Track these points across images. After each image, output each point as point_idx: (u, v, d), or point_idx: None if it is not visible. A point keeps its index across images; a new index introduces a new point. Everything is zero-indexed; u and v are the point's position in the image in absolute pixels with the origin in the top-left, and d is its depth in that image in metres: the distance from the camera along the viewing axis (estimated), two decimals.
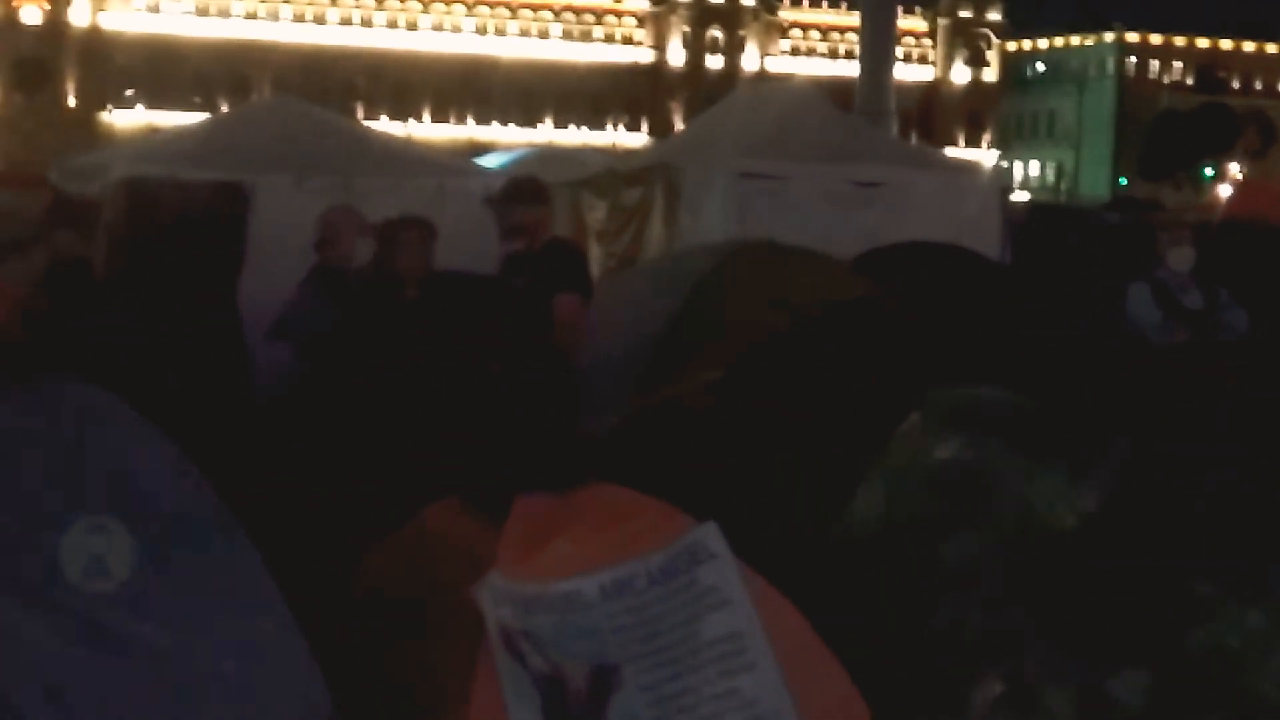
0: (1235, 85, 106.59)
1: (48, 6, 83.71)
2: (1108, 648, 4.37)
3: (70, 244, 8.75)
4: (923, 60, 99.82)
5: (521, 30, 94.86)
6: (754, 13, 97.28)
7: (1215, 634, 4.44)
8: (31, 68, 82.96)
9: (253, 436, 6.06)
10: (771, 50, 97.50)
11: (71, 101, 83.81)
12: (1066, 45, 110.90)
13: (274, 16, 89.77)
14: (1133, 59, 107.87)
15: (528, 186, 8.64)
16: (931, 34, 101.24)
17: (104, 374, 4.12)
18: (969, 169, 21.94)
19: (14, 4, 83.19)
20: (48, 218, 9.61)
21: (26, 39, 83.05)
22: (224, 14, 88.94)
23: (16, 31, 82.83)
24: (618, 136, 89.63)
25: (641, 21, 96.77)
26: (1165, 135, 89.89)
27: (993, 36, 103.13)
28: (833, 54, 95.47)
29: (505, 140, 73.22)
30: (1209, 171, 72.90)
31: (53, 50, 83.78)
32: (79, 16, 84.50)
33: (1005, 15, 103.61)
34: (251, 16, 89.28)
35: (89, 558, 3.67)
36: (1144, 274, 9.91)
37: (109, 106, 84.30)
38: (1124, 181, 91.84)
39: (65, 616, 3.64)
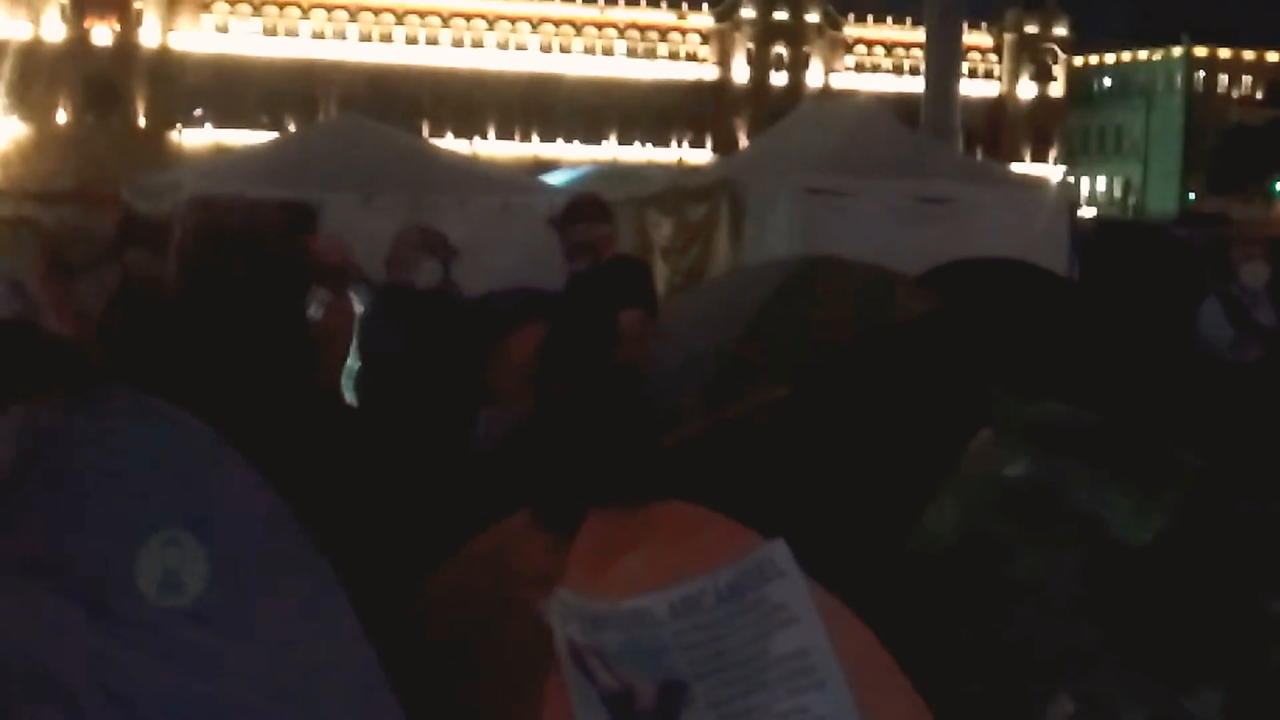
0: None
1: (118, 27, 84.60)
2: (1183, 666, 4.33)
3: (142, 262, 8.84)
4: (988, 76, 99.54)
5: (586, 48, 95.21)
6: (818, 29, 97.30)
7: None
8: (102, 88, 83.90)
9: (324, 451, 6.09)
10: (836, 66, 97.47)
11: (141, 121, 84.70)
12: (1134, 60, 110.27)
13: (340, 36, 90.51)
14: (1201, 73, 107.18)
15: (591, 204, 8.64)
16: (997, 49, 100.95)
17: (176, 390, 4.14)
18: (1035, 185, 21.76)
19: (85, 25, 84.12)
20: (120, 236, 9.69)
21: (97, 59, 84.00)
22: (291, 33, 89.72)
23: (87, 52, 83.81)
24: (682, 153, 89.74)
25: (706, 38, 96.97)
26: (1235, 150, 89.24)
27: (1059, 51, 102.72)
28: (897, 70, 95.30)
29: (570, 157, 73.37)
30: (1279, 186, 72.41)
31: (123, 70, 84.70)
32: (149, 37, 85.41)
33: (1071, 30, 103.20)
34: (319, 36, 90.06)
35: (163, 572, 3.69)
36: (1216, 290, 9.84)
37: (178, 126, 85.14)
38: (1192, 196, 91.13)
39: (138, 630, 3.66)
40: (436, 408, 6.90)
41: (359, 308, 8.92)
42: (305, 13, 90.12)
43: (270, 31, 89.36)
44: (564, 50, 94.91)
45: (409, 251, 8.94)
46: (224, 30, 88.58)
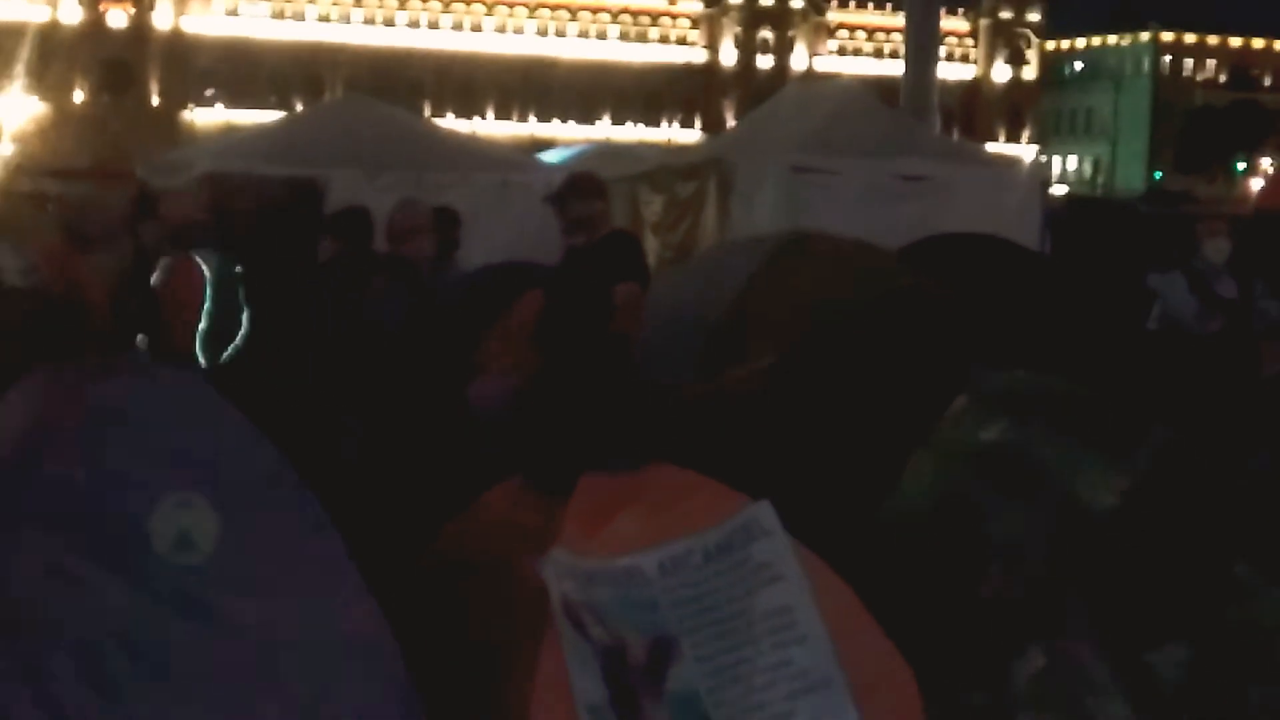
0: (1267, 83, 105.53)
1: (132, 10, 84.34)
2: (1148, 623, 4.34)
3: (155, 235, 8.80)
4: (965, 59, 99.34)
5: (580, 32, 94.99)
6: (803, 14, 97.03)
7: (1251, 612, 4.41)
8: (117, 69, 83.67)
9: (328, 416, 6.10)
10: (820, 50, 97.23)
11: (155, 101, 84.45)
12: (1103, 44, 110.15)
13: (345, 19, 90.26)
14: (1167, 58, 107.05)
15: (586, 182, 8.62)
16: (973, 34, 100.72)
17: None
18: (1009, 163, 21.79)
19: (100, 8, 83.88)
20: (134, 211, 9.66)
21: (112, 42, 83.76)
22: (298, 17, 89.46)
23: (102, 35, 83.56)
24: (672, 133, 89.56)
25: (695, 23, 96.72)
26: (1200, 131, 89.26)
27: (1032, 36, 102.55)
28: (878, 53, 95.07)
29: (565, 137, 73.25)
30: (1241, 165, 72.41)
31: (137, 52, 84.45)
32: (162, 20, 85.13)
33: (1044, 15, 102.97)
34: (324, 19, 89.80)
35: (176, 532, 3.70)
36: (1181, 265, 9.85)
37: (190, 105, 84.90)
38: (1159, 175, 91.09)
39: (155, 586, 3.67)
40: (433, 376, 6.90)
41: (206, 271, 8.47)
42: None
43: (278, 15, 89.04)
44: (559, 34, 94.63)
45: (406, 224, 8.92)
46: (234, 14, 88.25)
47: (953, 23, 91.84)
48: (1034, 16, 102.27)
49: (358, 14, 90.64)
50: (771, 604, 4.18)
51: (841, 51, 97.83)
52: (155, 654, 3.64)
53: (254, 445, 3.91)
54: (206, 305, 8.06)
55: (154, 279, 8.09)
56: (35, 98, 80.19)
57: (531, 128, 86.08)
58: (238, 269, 8.23)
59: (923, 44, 23.62)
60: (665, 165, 15.87)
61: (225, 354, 7.81)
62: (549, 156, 22.67)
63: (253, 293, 8.24)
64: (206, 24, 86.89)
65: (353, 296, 8.08)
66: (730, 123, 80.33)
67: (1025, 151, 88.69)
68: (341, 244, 8.86)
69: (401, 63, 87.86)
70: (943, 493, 4.74)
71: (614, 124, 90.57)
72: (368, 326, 7.95)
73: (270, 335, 8.11)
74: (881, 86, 24.76)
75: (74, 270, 7.78)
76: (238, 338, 7.96)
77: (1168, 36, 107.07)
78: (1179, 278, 9.71)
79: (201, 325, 8.05)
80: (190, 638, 3.67)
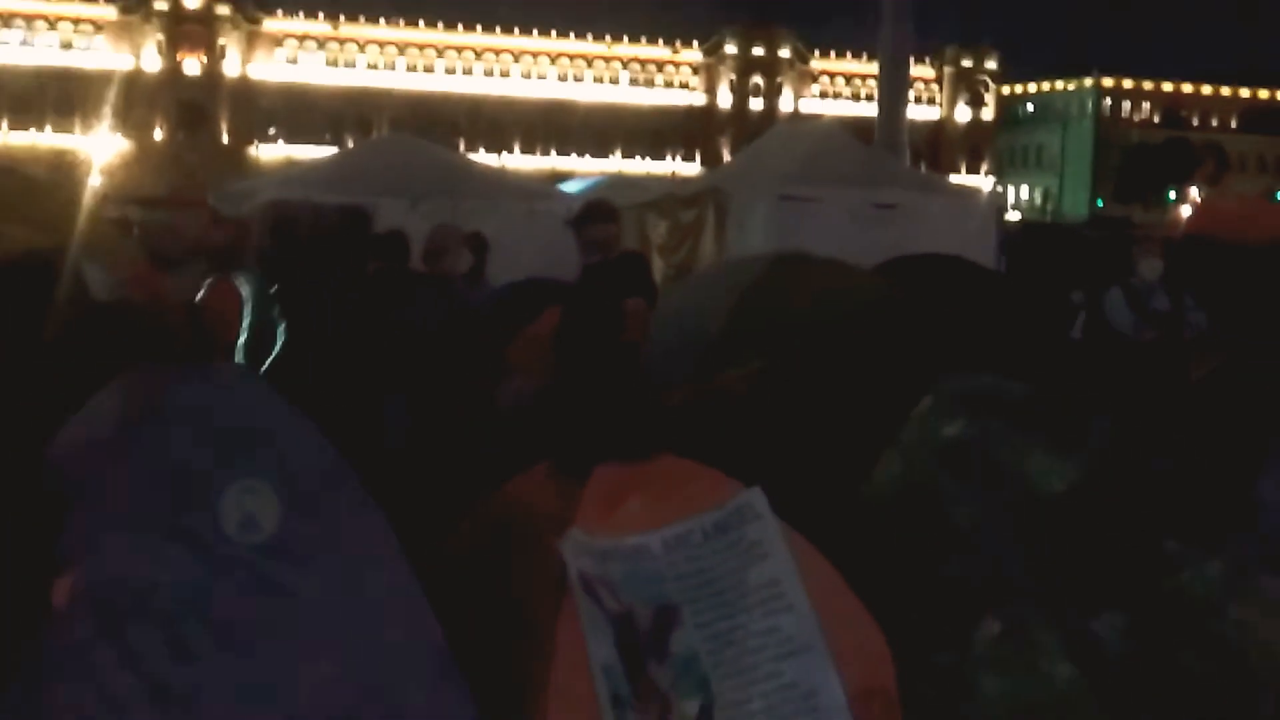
0: (1195, 123, 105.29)
1: (205, 59, 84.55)
2: (1091, 594, 4.35)
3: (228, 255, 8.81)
4: (931, 102, 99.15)
5: (595, 78, 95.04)
6: (789, 63, 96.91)
7: (1182, 583, 4.41)
8: (191, 110, 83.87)
9: (376, 412, 6.10)
10: (805, 94, 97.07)
11: (225, 138, 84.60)
12: (1052, 89, 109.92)
13: (391, 66, 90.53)
14: (1108, 101, 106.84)
15: (600, 208, 8.62)
16: (938, 80, 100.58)
17: (253, 361, 4.16)
18: (969, 193, 21.82)
19: (178, 58, 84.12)
20: (208, 233, 9.67)
21: (187, 87, 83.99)
22: (350, 64, 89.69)
23: (179, 80, 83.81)
24: (676, 166, 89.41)
25: (695, 70, 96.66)
26: (1137, 165, 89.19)
27: (990, 82, 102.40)
28: (855, 97, 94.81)
29: (582, 170, 73.24)
30: (1173, 195, 72.26)
31: (209, 96, 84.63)
32: (231, 67, 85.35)
33: (1000, 64, 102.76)
34: (373, 67, 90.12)
35: (243, 514, 3.71)
36: (1119, 281, 9.83)
37: (255, 142, 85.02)
38: (1100, 203, 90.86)
39: (224, 563, 3.68)
40: (466, 376, 6.90)
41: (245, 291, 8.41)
42: (361, 48, 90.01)
43: (332, 63, 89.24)
44: (576, 79, 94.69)
45: (440, 244, 8.93)
46: (293, 61, 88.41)
47: (920, 70, 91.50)
48: (991, 64, 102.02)
49: (401, 62, 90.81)
50: (762, 577, 4.19)
51: (823, 95, 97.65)
52: (225, 620, 3.64)
53: (309, 437, 3.91)
54: (246, 320, 8.09)
55: (197, 298, 8.10)
56: (120, 135, 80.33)
57: (552, 161, 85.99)
58: (273, 289, 8.26)
59: (894, 89, 23.60)
60: (669, 194, 15.88)
61: (265, 364, 7.84)
62: (568, 187, 22.63)
63: (300, 304, 8.25)
64: (270, 70, 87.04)
65: (393, 307, 8.09)
66: (726, 157, 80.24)
67: (983, 182, 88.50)
68: (382, 263, 8.88)
69: (439, 104, 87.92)
70: (910, 481, 4.74)
71: (624, 158, 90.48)
72: (407, 332, 7.96)
73: (319, 342, 8.12)
74: (858, 126, 24.71)
75: (154, 287, 7.79)
76: (275, 349, 7.99)
77: (1108, 82, 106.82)
78: (1118, 293, 9.69)
79: (241, 338, 8.08)
80: (255, 606, 3.68)
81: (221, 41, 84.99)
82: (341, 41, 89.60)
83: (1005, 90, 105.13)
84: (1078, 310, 9.97)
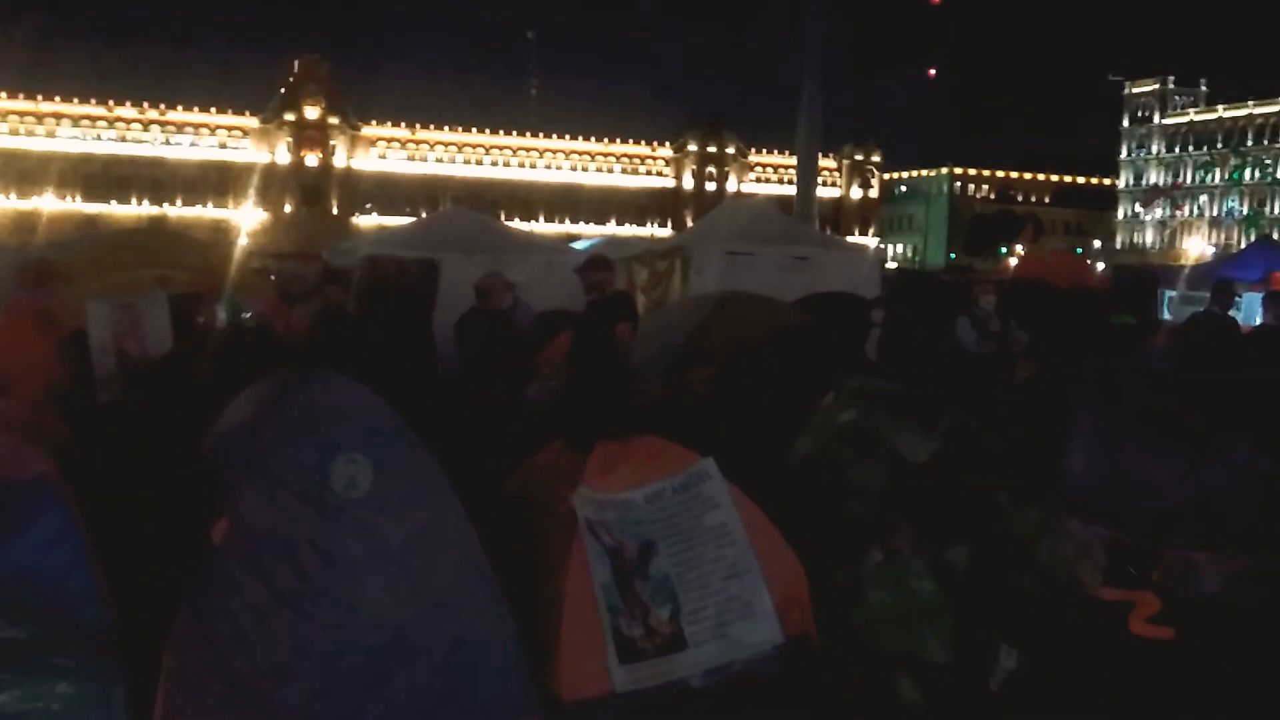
0: (1020, 199, 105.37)
1: (320, 155, 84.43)
2: (945, 532, 4.35)
3: (335, 295, 8.76)
4: (833, 184, 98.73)
5: (596, 168, 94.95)
6: (734, 157, 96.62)
7: (1009, 524, 4.41)
8: (311, 190, 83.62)
9: (441, 404, 6.07)
10: (745, 180, 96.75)
11: (334, 210, 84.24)
12: (918, 175, 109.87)
13: (452, 160, 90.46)
14: (958, 183, 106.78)
15: (599, 259, 8.56)
16: (839, 169, 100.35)
17: (354, 369, 4.14)
18: (861, 249, 21.74)
19: (301, 154, 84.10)
20: (322, 279, 9.63)
21: (308, 174, 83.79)
22: (423, 159, 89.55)
23: (302, 170, 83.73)
24: (653, 230, 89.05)
25: (667, 162, 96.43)
26: (978, 229, 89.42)
27: (874, 170, 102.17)
28: (780, 181, 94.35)
29: (587, 233, 73.00)
30: (1004, 250, 72.19)
31: (323, 180, 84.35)
32: (339, 161, 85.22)
33: (882, 157, 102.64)
34: (439, 160, 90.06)
35: (347, 478, 3.70)
36: (966, 312, 9.78)
37: (356, 214, 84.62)
38: (953, 256, 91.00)
39: (333, 512, 3.67)
40: (505, 379, 6.87)
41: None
42: (431, 147, 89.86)
43: (411, 158, 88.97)
44: (583, 169, 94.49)
45: (488, 286, 8.87)
46: (383, 157, 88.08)
47: (826, 162, 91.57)
48: (876, 158, 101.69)
49: (459, 157, 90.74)
50: (714, 521, 4.20)
51: (758, 180, 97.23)
52: (333, 555, 3.63)
53: (395, 422, 3.89)
54: None
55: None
56: (260, 209, 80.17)
57: (566, 228, 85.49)
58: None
59: (807, 176, 23.65)
60: (648, 251, 15.75)
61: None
62: (577, 245, 22.57)
63: (395, 330, 8.18)
64: (367, 163, 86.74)
65: (457, 330, 8.06)
66: (689, 224, 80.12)
67: (870, 242, 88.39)
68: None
69: (486, 187, 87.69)
70: (819, 452, 4.73)
71: (617, 225, 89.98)
72: (460, 350, 7.94)
73: (406, 355, 8.07)
74: (782, 202, 24.68)
75: (284, 317, 7.77)
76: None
77: (958, 170, 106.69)
78: (965, 320, 9.65)
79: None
80: (353, 543, 3.67)
81: (332, 143, 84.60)
82: (417, 143, 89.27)
83: (886, 176, 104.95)
84: (871, 326, 9.80)
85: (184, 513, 3.72)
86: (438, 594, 3.72)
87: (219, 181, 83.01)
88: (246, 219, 74.26)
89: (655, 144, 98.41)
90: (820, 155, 27.40)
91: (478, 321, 7.95)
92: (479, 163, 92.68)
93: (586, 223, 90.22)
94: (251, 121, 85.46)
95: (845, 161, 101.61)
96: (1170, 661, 4.17)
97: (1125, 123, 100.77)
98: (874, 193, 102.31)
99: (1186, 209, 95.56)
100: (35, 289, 6.72)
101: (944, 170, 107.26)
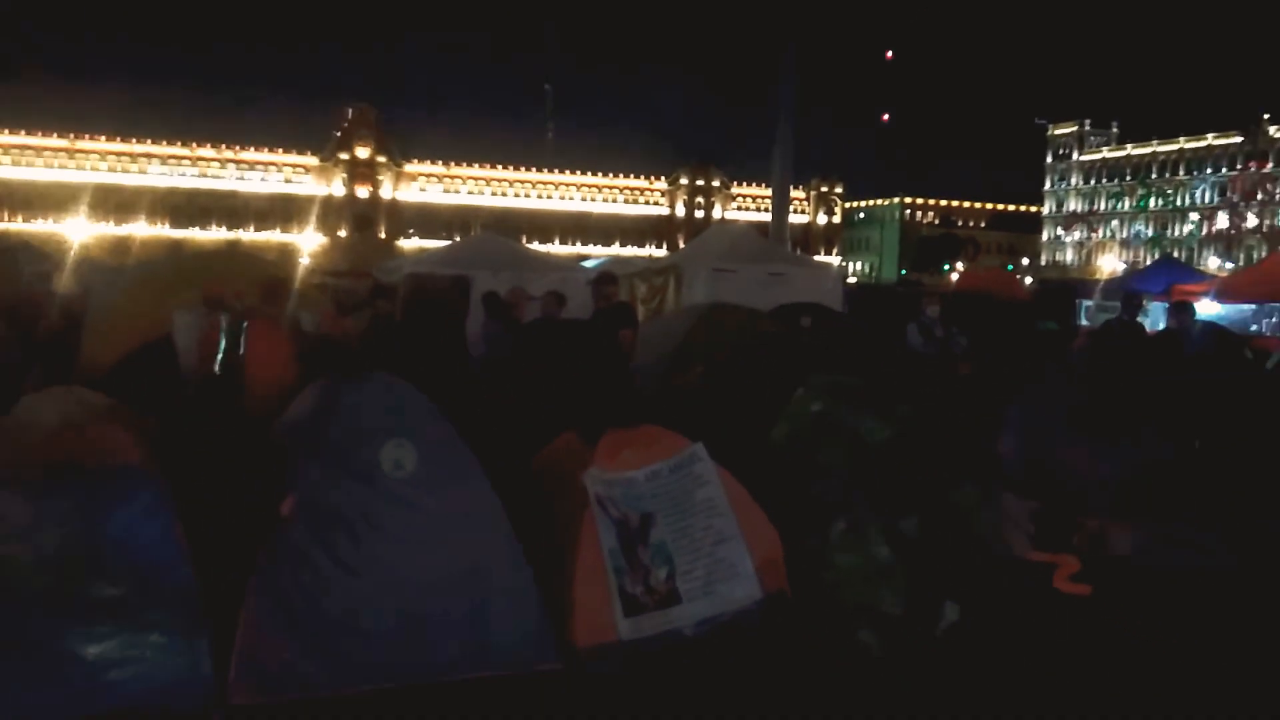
0: (960, 224, 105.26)
1: (371, 189, 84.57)
2: (899, 504, 4.34)
3: (384, 307, 8.75)
4: (803, 212, 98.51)
5: (603, 199, 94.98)
6: (719, 189, 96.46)
7: (953, 497, 4.41)
8: (362, 218, 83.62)
9: (472, 397, 6.06)
10: (728, 208, 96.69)
11: (382, 234, 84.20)
12: (874, 204, 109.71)
13: (481, 193, 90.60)
14: (909, 211, 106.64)
15: (608, 275, 8.58)
16: (808, 199, 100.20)
17: (400, 370, 4.14)
18: (826, 267, 21.70)
19: (354, 188, 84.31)
20: (372, 293, 9.62)
21: (359, 204, 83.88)
22: (457, 192, 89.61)
23: (355, 201, 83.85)
24: (650, 251, 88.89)
25: (663, 194, 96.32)
26: (925, 249, 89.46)
27: (838, 199, 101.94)
28: (759, 209, 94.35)
29: (595, 253, 72.97)
30: (946, 267, 72.21)
31: (373, 209, 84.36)
32: (386, 193, 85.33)
33: (844, 188, 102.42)
34: (471, 193, 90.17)
35: (395, 459, 3.70)
36: (915, 319, 9.76)
37: (401, 238, 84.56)
38: (904, 272, 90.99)
39: (382, 489, 3.67)
40: (530, 381, 6.86)
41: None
42: (464, 182, 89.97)
43: (447, 191, 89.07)
44: (592, 200, 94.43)
45: (514, 299, 8.86)
46: (424, 190, 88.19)
47: (797, 193, 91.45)
48: (839, 189, 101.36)
49: (488, 190, 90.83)
50: (704, 496, 4.19)
51: (740, 208, 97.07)
52: (383, 525, 3.62)
53: (434, 413, 3.90)
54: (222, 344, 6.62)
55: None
56: (319, 234, 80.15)
57: (578, 249, 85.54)
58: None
59: (781, 205, 23.59)
60: (647, 268, 15.71)
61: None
62: (588, 264, 22.53)
63: (434, 336, 8.13)
64: (410, 195, 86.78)
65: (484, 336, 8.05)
66: (681, 246, 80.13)
67: (834, 260, 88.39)
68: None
69: (512, 215, 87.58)
70: (792, 438, 4.73)
71: (620, 247, 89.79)
72: (488, 351, 7.92)
73: (444, 357, 8.03)
74: (761, 227, 24.61)
75: (340, 326, 7.76)
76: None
77: (908, 199, 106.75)
78: (914, 326, 9.63)
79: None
80: (400, 516, 3.67)
81: (380, 178, 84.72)
82: (452, 178, 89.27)
83: (847, 204, 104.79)
84: (800, 329, 9.81)
85: (257, 490, 3.72)
86: (471, 558, 3.73)
87: (285, 211, 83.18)
88: (308, 243, 74.41)
89: (652, 178, 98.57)
90: (792, 187, 27.34)
91: (499, 331, 7.93)
92: (504, 194, 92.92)
93: (594, 245, 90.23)
94: (312, 160, 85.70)
95: (813, 192, 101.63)
96: (1087, 612, 4.18)
97: (1049, 159, 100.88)
98: (837, 219, 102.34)
99: (1100, 232, 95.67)
100: (268, 307, 6.36)
101: (896, 199, 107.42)
